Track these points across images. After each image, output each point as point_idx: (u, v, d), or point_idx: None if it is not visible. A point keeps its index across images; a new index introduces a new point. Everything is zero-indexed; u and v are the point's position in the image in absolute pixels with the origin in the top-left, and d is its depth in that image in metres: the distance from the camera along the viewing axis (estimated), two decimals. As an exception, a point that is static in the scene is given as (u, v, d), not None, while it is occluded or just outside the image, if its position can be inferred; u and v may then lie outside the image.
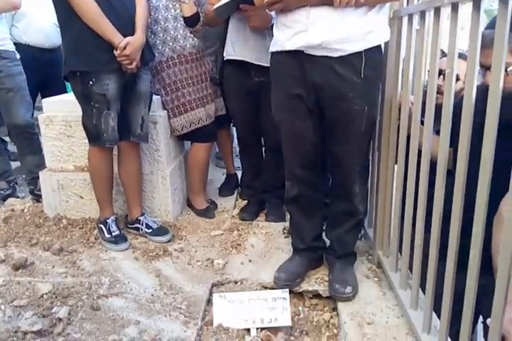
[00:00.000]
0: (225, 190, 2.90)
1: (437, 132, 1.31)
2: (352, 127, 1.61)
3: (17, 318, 1.63)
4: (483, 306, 1.24)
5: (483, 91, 1.06)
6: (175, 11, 2.30)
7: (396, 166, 1.67)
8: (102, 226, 2.14)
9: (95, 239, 2.15)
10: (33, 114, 2.71)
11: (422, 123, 1.38)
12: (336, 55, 1.49)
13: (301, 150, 1.73)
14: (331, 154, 1.73)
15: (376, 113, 1.69)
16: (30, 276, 1.87)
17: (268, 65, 1.77)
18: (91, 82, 1.89)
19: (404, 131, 1.53)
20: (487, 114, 0.98)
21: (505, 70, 1.34)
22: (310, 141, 1.69)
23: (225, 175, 3.01)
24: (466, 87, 1.08)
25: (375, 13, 1.48)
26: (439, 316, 1.30)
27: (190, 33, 2.35)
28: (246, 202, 2.68)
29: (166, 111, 2.38)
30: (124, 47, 1.86)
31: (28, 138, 2.65)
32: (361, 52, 1.50)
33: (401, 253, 1.62)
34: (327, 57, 1.50)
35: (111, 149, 2.07)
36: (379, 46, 1.56)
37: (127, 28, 1.91)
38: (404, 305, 1.52)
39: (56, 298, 1.72)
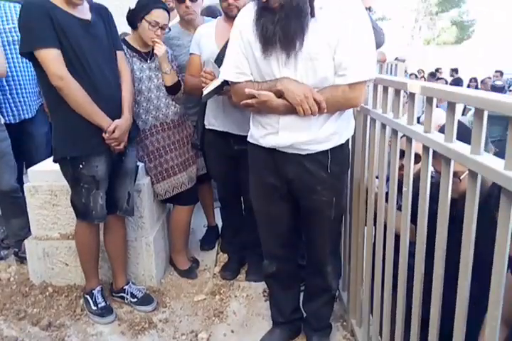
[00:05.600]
0: (206, 243, 3.00)
1: (399, 208, 1.47)
2: (322, 215, 1.75)
3: None
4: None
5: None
6: (157, 80, 2.42)
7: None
8: (88, 297, 2.21)
9: (81, 310, 2.21)
10: (19, 178, 2.72)
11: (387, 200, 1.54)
12: (304, 153, 1.64)
13: (278, 232, 1.85)
14: (305, 237, 1.86)
15: (343, 202, 1.86)
16: (20, 356, 1.92)
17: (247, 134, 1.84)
18: (81, 166, 1.95)
19: (371, 209, 1.71)
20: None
21: (458, 178, 1.50)
22: (286, 224, 1.83)
23: (206, 228, 3.11)
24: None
25: (337, 116, 1.62)
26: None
27: (172, 100, 2.46)
28: (226, 255, 2.79)
29: (149, 177, 2.47)
30: (113, 131, 1.93)
31: (13, 203, 2.68)
32: (327, 150, 1.64)
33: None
34: (297, 154, 1.64)
35: (98, 224, 2.15)
36: (343, 144, 1.70)
37: (114, 111, 1.98)
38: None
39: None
